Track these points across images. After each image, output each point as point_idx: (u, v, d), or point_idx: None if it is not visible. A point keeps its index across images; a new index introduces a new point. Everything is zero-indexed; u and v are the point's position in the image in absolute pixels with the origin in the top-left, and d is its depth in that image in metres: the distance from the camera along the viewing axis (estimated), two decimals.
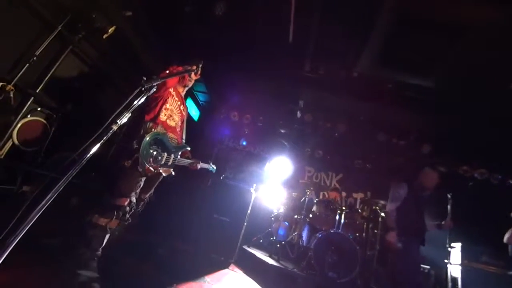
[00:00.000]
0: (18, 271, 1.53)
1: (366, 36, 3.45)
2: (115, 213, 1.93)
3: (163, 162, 2.11)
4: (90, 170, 3.19)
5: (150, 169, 2.01)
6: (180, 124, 2.46)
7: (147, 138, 1.97)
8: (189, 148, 2.48)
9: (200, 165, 2.54)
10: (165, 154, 2.12)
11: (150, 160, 2.01)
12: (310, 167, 6.62)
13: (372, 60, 3.85)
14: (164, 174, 2.20)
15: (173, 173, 2.26)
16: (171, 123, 2.30)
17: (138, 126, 2.10)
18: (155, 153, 2.04)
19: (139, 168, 1.96)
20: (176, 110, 2.38)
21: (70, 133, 2.93)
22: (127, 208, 2.02)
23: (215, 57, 4.25)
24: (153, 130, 2.09)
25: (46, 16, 2.62)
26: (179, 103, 2.43)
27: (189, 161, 2.44)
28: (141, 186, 2.10)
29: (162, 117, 2.20)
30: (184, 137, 2.57)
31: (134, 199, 2.07)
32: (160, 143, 2.10)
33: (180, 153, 2.33)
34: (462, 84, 3.76)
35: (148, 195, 2.36)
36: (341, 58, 4.04)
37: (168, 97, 2.28)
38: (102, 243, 1.88)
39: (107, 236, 1.91)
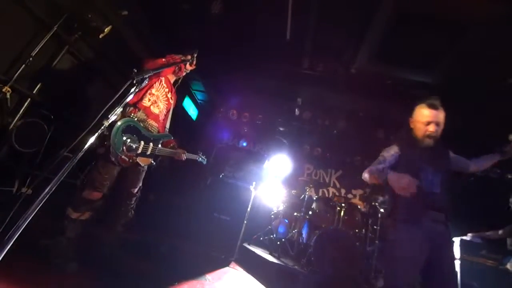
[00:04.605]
0: (15, 271, 1.53)
1: (364, 32, 3.45)
2: (88, 207, 1.90)
3: (139, 151, 1.98)
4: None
5: (124, 158, 1.88)
6: (165, 112, 2.33)
7: (119, 123, 1.82)
8: (172, 137, 2.34)
9: (186, 156, 2.38)
10: (142, 142, 1.99)
11: (123, 149, 1.87)
12: (309, 164, 6.64)
13: (370, 56, 3.84)
14: (142, 164, 2.06)
15: (153, 163, 2.12)
16: (155, 110, 2.17)
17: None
18: (128, 140, 1.89)
19: (112, 157, 1.83)
20: (162, 97, 2.26)
21: (68, 134, 2.92)
22: (100, 201, 1.96)
23: (213, 56, 4.24)
24: (131, 115, 1.98)
25: (42, 17, 2.60)
26: (167, 90, 2.31)
27: (172, 150, 2.28)
28: (114, 176, 2.00)
29: (146, 102, 2.10)
30: (167, 126, 2.44)
31: (105, 191, 1.98)
32: (134, 130, 1.95)
33: (161, 142, 2.18)
34: (463, 80, 3.75)
35: (137, 188, 2.24)
36: (339, 55, 4.04)
37: (155, 83, 2.18)
38: (77, 232, 1.88)
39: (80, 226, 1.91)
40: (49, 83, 2.78)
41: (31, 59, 2.52)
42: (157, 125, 2.21)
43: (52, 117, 2.83)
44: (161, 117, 2.27)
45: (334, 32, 3.66)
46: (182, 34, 4.16)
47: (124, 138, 1.88)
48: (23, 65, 2.48)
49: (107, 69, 3.53)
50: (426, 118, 1.86)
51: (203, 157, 2.70)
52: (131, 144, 1.91)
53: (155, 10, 3.77)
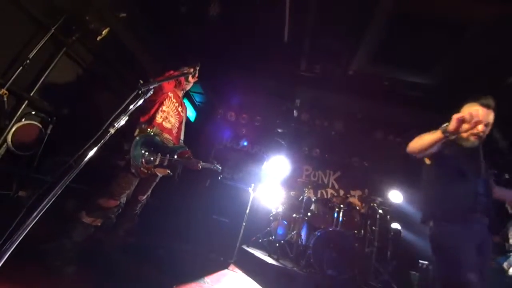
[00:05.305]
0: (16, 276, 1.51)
1: (362, 33, 3.45)
2: (101, 214, 1.96)
3: (157, 163, 2.12)
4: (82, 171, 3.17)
5: (143, 170, 2.02)
6: (177, 125, 2.46)
7: (137, 139, 2.00)
8: (188, 149, 2.46)
9: (201, 165, 2.49)
10: (159, 155, 2.12)
11: (142, 162, 2.01)
12: (307, 165, 6.64)
13: (368, 57, 3.85)
14: (159, 175, 2.20)
15: (170, 173, 2.24)
16: (167, 125, 2.31)
17: (133, 127, 2.10)
18: (146, 153, 2.05)
19: (132, 170, 1.98)
20: (173, 112, 2.38)
21: (66, 137, 2.91)
22: (115, 209, 2.03)
23: (211, 57, 4.24)
24: (148, 130, 2.09)
25: (39, 18, 2.59)
26: (176, 104, 2.42)
27: (188, 161, 2.41)
28: (132, 186, 2.11)
29: (158, 119, 2.21)
30: (182, 138, 2.57)
31: (123, 200, 2.09)
32: (152, 144, 2.10)
33: (177, 153, 2.32)
34: (462, 80, 3.76)
35: (145, 196, 2.36)
36: (337, 57, 4.05)
37: (165, 99, 2.28)
38: (84, 236, 1.91)
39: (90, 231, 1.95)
40: (46, 86, 2.77)
41: (28, 61, 2.50)
42: (171, 138, 2.34)
43: (50, 119, 2.81)
44: (174, 131, 2.41)
45: (332, 34, 3.68)
46: (181, 36, 4.16)
47: (143, 152, 2.03)
48: (20, 67, 2.46)
49: (105, 71, 3.52)
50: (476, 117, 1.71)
51: (218, 166, 2.79)
52: (149, 157, 2.07)
53: (154, 11, 3.76)
